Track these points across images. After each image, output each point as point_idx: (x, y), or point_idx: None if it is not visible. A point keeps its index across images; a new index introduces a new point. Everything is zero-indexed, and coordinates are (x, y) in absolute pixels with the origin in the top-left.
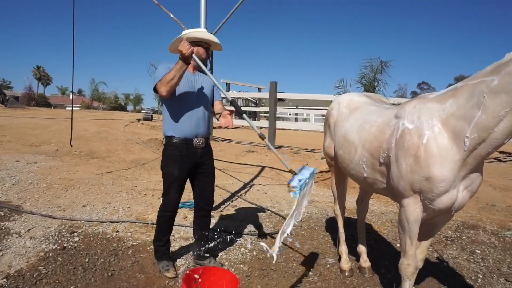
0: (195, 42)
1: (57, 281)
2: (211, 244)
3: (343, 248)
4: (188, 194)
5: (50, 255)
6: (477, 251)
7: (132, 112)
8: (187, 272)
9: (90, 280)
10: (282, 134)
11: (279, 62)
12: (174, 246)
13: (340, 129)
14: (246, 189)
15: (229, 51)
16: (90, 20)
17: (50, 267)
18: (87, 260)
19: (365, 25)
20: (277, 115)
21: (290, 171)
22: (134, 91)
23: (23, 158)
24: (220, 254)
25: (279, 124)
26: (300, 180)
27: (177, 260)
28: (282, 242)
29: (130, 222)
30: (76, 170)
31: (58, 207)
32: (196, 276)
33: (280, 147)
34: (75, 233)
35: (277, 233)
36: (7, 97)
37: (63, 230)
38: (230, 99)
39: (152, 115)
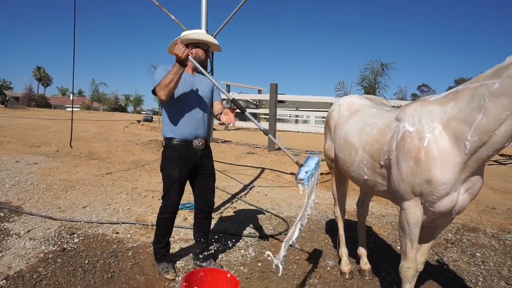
0: (194, 44)
1: (57, 283)
2: (211, 246)
3: (343, 251)
4: (188, 195)
5: (50, 256)
6: (477, 254)
7: (132, 113)
8: (187, 273)
9: (90, 281)
10: (282, 136)
11: (280, 63)
12: (174, 248)
13: (340, 131)
14: (246, 191)
15: (229, 52)
16: (90, 21)
17: (50, 268)
18: (86, 261)
19: (366, 27)
20: (277, 117)
21: (297, 163)
22: (135, 92)
23: (23, 158)
24: (220, 256)
25: (279, 126)
26: (307, 172)
27: (177, 262)
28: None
29: (130, 223)
30: (76, 171)
31: (58, 208)
32: (196, 278)
33: (280, 149)
34: (75, 235)
35: (277, 234)
36: (7, 98)
37: (63, 231)
38: (231, 98)
39: (152, 116)
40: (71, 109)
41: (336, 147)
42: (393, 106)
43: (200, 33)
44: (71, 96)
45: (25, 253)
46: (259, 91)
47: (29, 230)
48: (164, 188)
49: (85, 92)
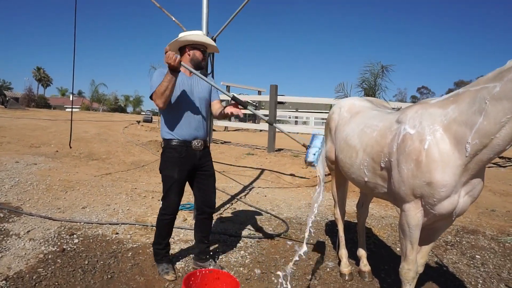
0: (192, 45)
1: (57, 283)
2: (212, 247)
3: (343, 252)
4: (187, 196)
5: (50, 257)
6: (477, 256)
7: (132, 113)
8: (187, 274)
9: (90, 282)
10: (282, 137)
11: (279, 64)
12: (174, 248)
13: (341, 133)
14: (246, 191)
15: (229, 52)
16: (90, 21)
17: (50, 269)
18: (86, 262)
19: (366, 29)
20: (277, 118)
21: (303, 145)
22: (134, 92)
23: (22, 159)
24: (219, 257)
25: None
26: (314, 154)
27: (177, 263)
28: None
29: (130, 224)
30: (76, 172)
31: (57, 208)
32: (196, 279)
33: (280, 150)
34: (75, 235)
35: (277, 235)
36: (7, 98)
37: (63, 232)
38: (232, 96)
39: (152, 117)
40: (70, 109)
41: (337, 149)
42: (393, 108)
43: (197, 35)
44: (71, 96)
45: (25, 253)
46: (259, 92)
47: (29, 231)
48: (164, 189)
49: (85, 92)
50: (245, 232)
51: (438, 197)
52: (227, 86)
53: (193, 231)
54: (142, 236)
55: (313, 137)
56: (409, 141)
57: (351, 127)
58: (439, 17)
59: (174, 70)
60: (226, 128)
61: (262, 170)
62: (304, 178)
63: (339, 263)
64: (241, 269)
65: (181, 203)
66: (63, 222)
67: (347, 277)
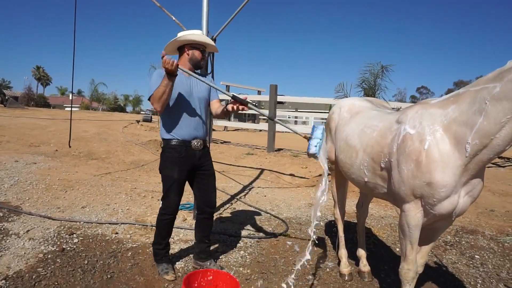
0: (191, 45)
1: (56, 283)
2: (212, 247)
3: (343, 252)
4: (187, 196)
5: (49, 256)
6: (476, 256)
7: (131, 113)
8: (187, 275)
9: (89, 282)
10: (282, 137)
11: (279, 64)
12: (174, 248)
13: (341, 133)
14: (246, 191)
15: (229, 52)
16: (90, 21)
17: (49, 268)
18: (86, 262)
19: (365, 29)
20: (276, 118)
21: (305, 137)
22: (134, 92)
23: (22, 158)
24: (219, 257)
25: (278, 127)
26: (316, 146)
27: (177, 262)
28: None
29: (130, 224)
30: (75, 171)
31: (57, 208)
32: (196, 279)
33: (279, 150)
34: (74, 235)
35: (277, 235)
36: (6, 97)
37: (62, 232)
38: (232, 95)
39: (151, 117)
40: (70, 108)
41: (337, 149)
42: (393, 108)
43: (196, 34)
44: (70, 95)
45: (24, 253)
46: (259, 92)
47: (28, 230)
48: (164, 189)
49: (84, 92)
50: (244, 232)
51: (438, 197)
52: (226, 86)
53: (193, 231)
54: (142, 236)
55: (313, 128)
56: (409, 141)
57: (351, 127)
58: (439, 17)
59: (171, 74)
60: (225, 128)
61: (262, 170)
62: (304, 178)
63: (338, 263)
64: (241, 269)
65: (181, 203)
66: (62, 221)
67: (346, 277)
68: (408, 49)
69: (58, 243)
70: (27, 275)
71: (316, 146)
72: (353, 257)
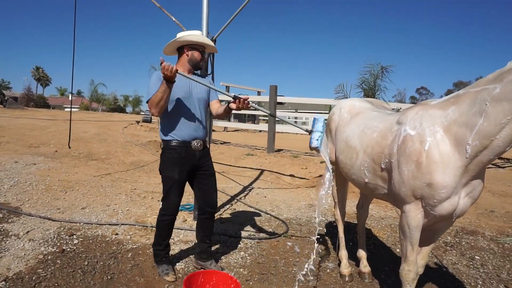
0: (190, 45)
1: (56, 284)
2: (213, 248)
3: (343, 253)
4: (187, 196)
5: (49, 257)
6: (476, 257)
7: (131, 114)
8: (188, 276)
9: (90, 283)
10: (282, 138)
11: (279, 65)
12: (174, 249)
13: (341, 134)
14: (246, 192)
15: (229, 52)
16: (90, 21)
17: (49, 270)
18: (86, 263)
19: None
20: (276, 119)
21: (306, 130)
22: (134, 93)
23: (21, 159)
24: (220, 257)
25: (278, 127)
26: (317, 140)
27: (177, 264)
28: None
29: (130, 225)
30: (75, 172)
31: (57, 209)
32: (197, 280)
33: (279, 150)
34: (74, 236)
35: (277, 236)
36: (6, 98)
37: (62, 233)
38: (233, 95)
39: (151, 117)
40: (70, 109)
41: (337, 150)
42: (393, 109)
43: (196, 35)
44: (70, 96)
45: (24, 254)
46: (258, 93)
47: (28, 231)
48: (164, 190)
49: (84, 92)
50: (245, 233)
51: (438, 198)
52: (226, 86)
53: (193, 232)
54: (142, 237)
55: (314, 120)
56: (409, 142)
57: (352, 128)
58: (439, 17)
59: (169, 81)
60: (225, 129)
61: (262, 171)
62: (304, 178)
63: (339, 264)
64: (241, 270)
65: (181, 203)
66: (62, 222)
67: (347, 278)
68: (408, 50)
69: (58, 244)
70: (27, 276)
71: (317, 140)
72: (354, 258)
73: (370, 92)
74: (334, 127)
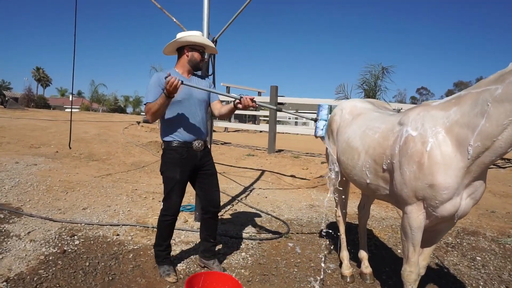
0: (191, 46)
1: (58, 285)
2: (217, 248)
3: (344, 254)
4: (188, 197)
5: (51, 258)
6: (477, 258)
7: (131, 114)
8: (189, 277)
9: (91, 284)
10: (282, 138)
11: (280, 65)
12: (175, 250)
13: (343, 135)
14: (246, 193)
15: (229, 53)
16: (90, 21)
17: (51, 270)
18: (87, 264)
19: (365, 30)
20: (277, 119)
21: (312, 119)
22: (134, 93)
23: (22, 159)
24: (221, 258)
25: (279, 128)
26: (322, 129)
27: (178, 264)
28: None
29: (131, 225)
30: (76, 173)
31: (58, 209)
32: (199, 281)
33: (280, 151)
34: (76, 236)
35: (278, 237)
36: (6, 98)
37: (63, 233)
38: (239, 96)
39: None
40: (70, 110)
41: (338, 150)
42: (394, 109)
43: (196, 36)
44: (71, 97)
45: (26, 255)
46: (259, 93)
47: (29, 232)
48: (165, 190)
49: (85, 93)
50: (246, 234)
51: (440, 199)
52: (227, 87)
53: (194, 232)
54: (143, 237)
55: (319, 108)
56: (411, 143)
57: (353, 129)
58: (439, 17)
59: (168, 96)
60: (226, 129)
61: (263, 171)
62: (305, 179)
63: (340, 265)
64: (242, 271)
65: (182, 204)
66: (63, 223)
67: (348, 279)
68: (408, 50)
69: (59, 245)
70: (28, 277)
71: (322, 129)
72: (355, 259)
73: (371, 92)
74: (335, 128)
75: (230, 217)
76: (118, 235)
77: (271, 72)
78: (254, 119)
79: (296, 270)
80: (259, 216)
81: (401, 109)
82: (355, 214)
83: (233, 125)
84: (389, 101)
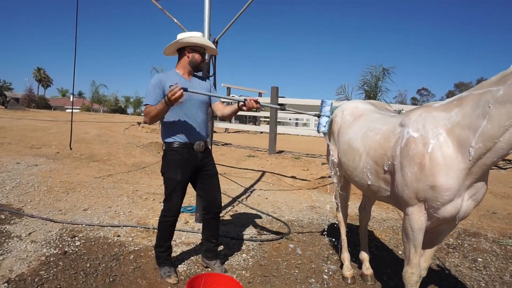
0: (191, 47)
1: (59, 286)
2: (219, 248)
3: (345, 255)
4: (188, 198)
5: (52, 259)
6: (479, 259)
7: (132, 115)
8: (191, 278)
9: (92, 285)
10: (283, 139)
11: (280, 66)
12: (176, 251)
13: (344, 136)
14: (247, 194)
15: (230, 53)
16: (91, 22)
17: (52, 271)
18: (88, 265)
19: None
20: (277, 120)
21: (315, 115)
22: (135, 94)
23: (23, 160)
24: (222, 260)
25: (279, 129)
26: (325, 125)
27: (179, 266)
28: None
29: (131, 226)
30: (77, 173)
31: (59, 210)
32: (200, 282)
33: (280, 152)
34: (76, 237)
35: (279, 238)
36: (7, 99)
37: (64, 234)
38: (243, 98)
39: None
40: (71, 110)
41: (340, 152)
42: (395, 110)
43: (197, 37)
44: (71, 97)
45: (27, 256)
46: (260, 94)
47: (30, 233)
48: (166, 191)
49: (85, 93)
50: (246, 235)
51: (441, 200)
52: (227, 87)
53: (195, 234)
54: (144, 238)
55: (322, 104)
56: (412, 144)
57: (354, 130)
58: (439, 17)
59: (168, 104)
60: (226, 130)
61: (263, 172)
62: (306, 180)
63: (341, 266)
64: (243, 272)
65: (182, 205)
66: (64, 224)
67: (349, 281)
68: (409, 50)
69: (60, 246)
70: (29, 278)
71: (325, 125)
72: (356, 260)
73: (371, 93)
74: (336, 129)
75: (231, 218)
76: (119, 236)
77: (271, 73)
78: (254, 120)
79: (297, 271)
80: (260, 217)
81: (402, 110)
82: (356, 215)
83: (234, 126)
84: (389, 102)
